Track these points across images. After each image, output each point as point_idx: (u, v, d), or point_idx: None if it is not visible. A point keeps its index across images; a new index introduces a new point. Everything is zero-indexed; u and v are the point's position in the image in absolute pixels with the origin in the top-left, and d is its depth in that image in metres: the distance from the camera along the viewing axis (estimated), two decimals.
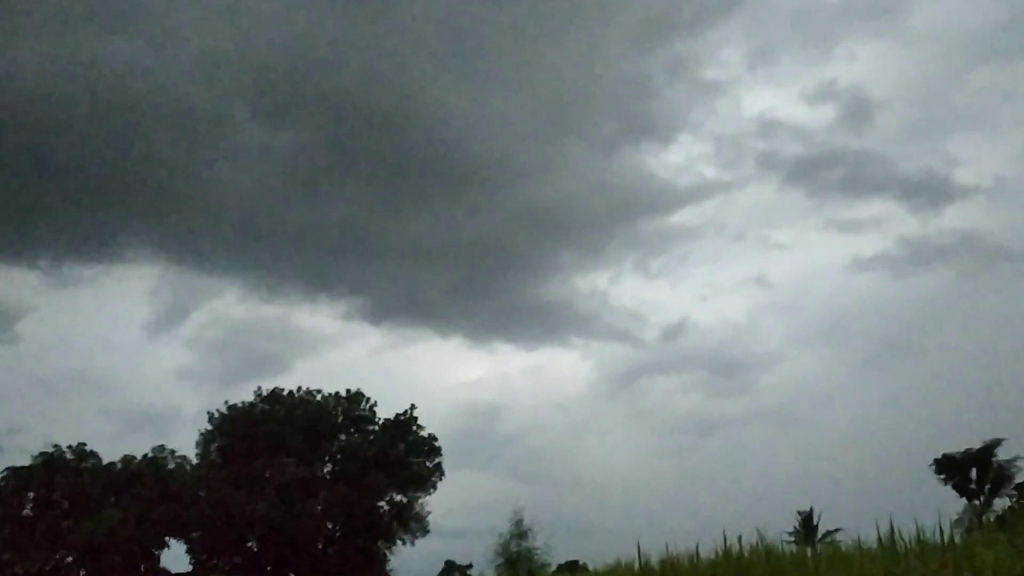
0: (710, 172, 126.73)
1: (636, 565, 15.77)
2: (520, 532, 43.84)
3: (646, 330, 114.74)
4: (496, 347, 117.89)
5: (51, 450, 51.19)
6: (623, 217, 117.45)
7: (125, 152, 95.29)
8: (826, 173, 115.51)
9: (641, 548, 15.71)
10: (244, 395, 59.03)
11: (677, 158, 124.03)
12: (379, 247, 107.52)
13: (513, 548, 43.64)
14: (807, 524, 37.18)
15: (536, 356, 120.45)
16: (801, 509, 39.20)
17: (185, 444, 54.84)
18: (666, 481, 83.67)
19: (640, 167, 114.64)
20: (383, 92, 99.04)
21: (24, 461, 51.44)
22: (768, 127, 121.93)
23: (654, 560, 15.48)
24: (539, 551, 44.02)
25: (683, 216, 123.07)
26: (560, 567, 44.66)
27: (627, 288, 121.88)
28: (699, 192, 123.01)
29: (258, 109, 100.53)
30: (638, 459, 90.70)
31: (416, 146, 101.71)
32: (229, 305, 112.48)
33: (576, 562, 48.56)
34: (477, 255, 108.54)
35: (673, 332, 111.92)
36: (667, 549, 15.19)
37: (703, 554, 14.43)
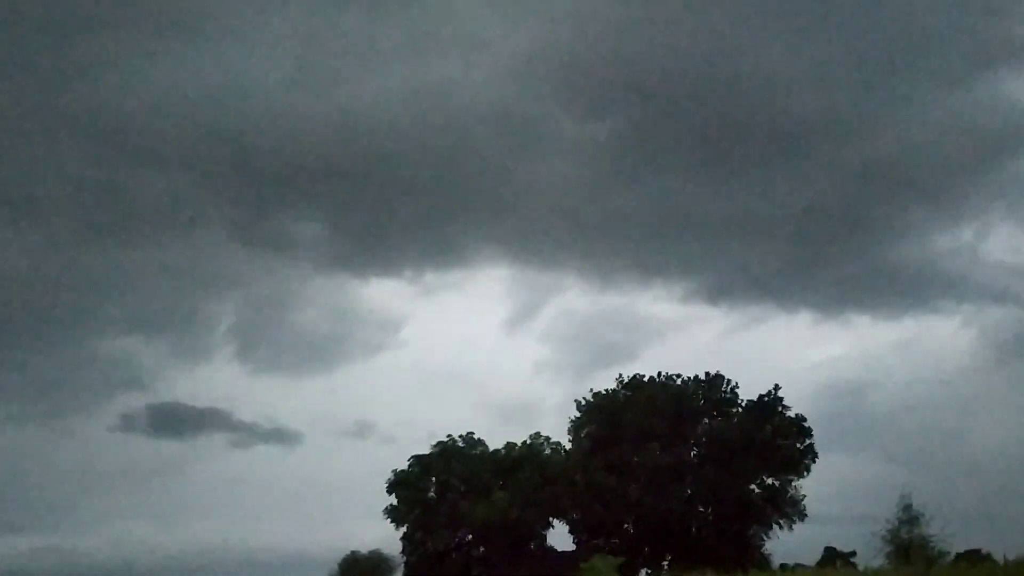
0: None
1: None
2: (910, 518, 40.52)
3: None
4: (851, 319, 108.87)
5: (445, 440, 57.16)
6: (984, 159, 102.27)
7: (459, 164, 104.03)
8: None
9: None
10: (597, 384, 61.22)
11: None
12: (708, 225, 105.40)
13: (903, 535, 40.49)
14: None
15: (901, 326, 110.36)
16: None
17: (550, 431, 58.38)
18: None
19: (1000, 98, 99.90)
20: (694, 65, 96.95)
21: (415, 450, 58.00)
22: None
23: None
24: (934, 539, 40.39)
25: None
26: (959, 556, 40.72)
27: (999, 241, 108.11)
28: None
29: (571, 103, 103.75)
30: None
31: (735, 114, 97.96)
32: (573, 298, 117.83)
33: (979, 551, 44.02)
34: (816, 221, 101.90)
35: None
36: None
37: None
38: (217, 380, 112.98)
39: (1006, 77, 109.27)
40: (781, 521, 52.53)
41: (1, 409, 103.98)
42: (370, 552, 59.87)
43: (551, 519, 55.34)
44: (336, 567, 59.81)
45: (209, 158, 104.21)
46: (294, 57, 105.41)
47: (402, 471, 56.42)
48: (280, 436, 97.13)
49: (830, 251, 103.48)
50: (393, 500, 55.85)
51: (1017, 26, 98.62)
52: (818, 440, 52.95)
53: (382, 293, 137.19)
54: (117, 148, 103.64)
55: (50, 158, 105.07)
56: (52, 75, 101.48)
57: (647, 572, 52.29)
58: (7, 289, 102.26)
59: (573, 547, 54.44)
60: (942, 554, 38.61)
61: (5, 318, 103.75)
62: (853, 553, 52.12)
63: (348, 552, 60.56)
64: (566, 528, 55.27)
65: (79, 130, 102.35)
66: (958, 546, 41.09)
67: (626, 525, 53.79)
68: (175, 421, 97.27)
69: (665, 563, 53.03)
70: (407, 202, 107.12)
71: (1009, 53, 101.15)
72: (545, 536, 56.01)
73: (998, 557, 36.78)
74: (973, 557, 42.65)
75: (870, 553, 39.68)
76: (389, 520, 55.45)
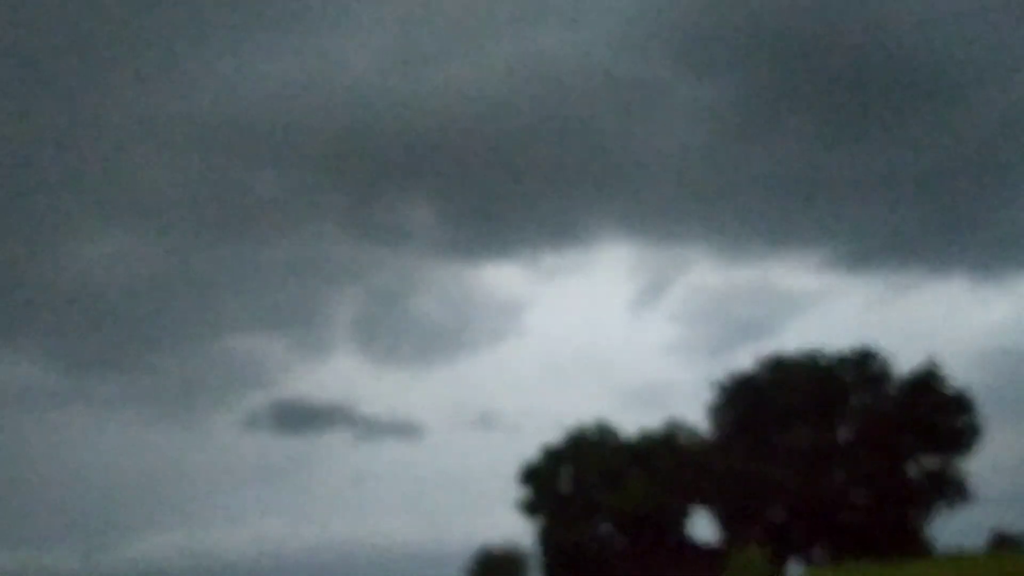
0: None
1: None
2: None
3: None
4: (1013, 280, 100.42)
5: (577, 428, 55.40)
6: None
7: (570, 137, 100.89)
8: None
9: None
10: (733, 363, 58.44)
11: None
12: (842, 186, 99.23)
13: None
14: None
15: None
16: None
17: (685, 415, 55.82)
18: None
19: None
20: (817, 13, 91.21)
21: (542, 439, 55.99)
22: None
23: None
24: None
25: None
26: None
27: None
28: None
29: (683, 64, 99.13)
30: None
31: (869, 65, 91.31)
32: (703, 273, 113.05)
33: None
34: (965, 175, 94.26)
35: None
36: None
37: None
38: (339, 374, 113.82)
39: None
40: (944, 504, 49.01)
41: (136, 412, 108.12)
42: (504, 546, 58.72)
43: (690, 507, 52.97)
44: (471, 563, 58.95)
45: (318, 151, 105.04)
46: (393, 40, 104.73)
47: (533, 462, 55.03)
48: (404, 429, 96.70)
49: (982, 206, 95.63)
50: (525, 492, 54.51)
51: None
52: (983, 415, 49.17)
53: (499, 278, 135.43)
54: (230, 148, 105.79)
55: (167, 161, 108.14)
56: (163, 79, 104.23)
57: (802, 560, 49.50)
58: (136, 295, 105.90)
59: (715, 536, 52.14)
60: None
61: (136, 323, 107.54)
62: None
63: (481, 546, 59.55)
64: (706, 517, 52.94)
65: (193, 132, 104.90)
66: None
67: (773, 512, 51.04)
68: (299, 417, 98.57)
69: (817, 551, 50.17)
70: (518, 181, 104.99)
71: None
72: (684, 524, 53.73)
73: None
74: None
75: None
76: (523, 513, 54.18)
